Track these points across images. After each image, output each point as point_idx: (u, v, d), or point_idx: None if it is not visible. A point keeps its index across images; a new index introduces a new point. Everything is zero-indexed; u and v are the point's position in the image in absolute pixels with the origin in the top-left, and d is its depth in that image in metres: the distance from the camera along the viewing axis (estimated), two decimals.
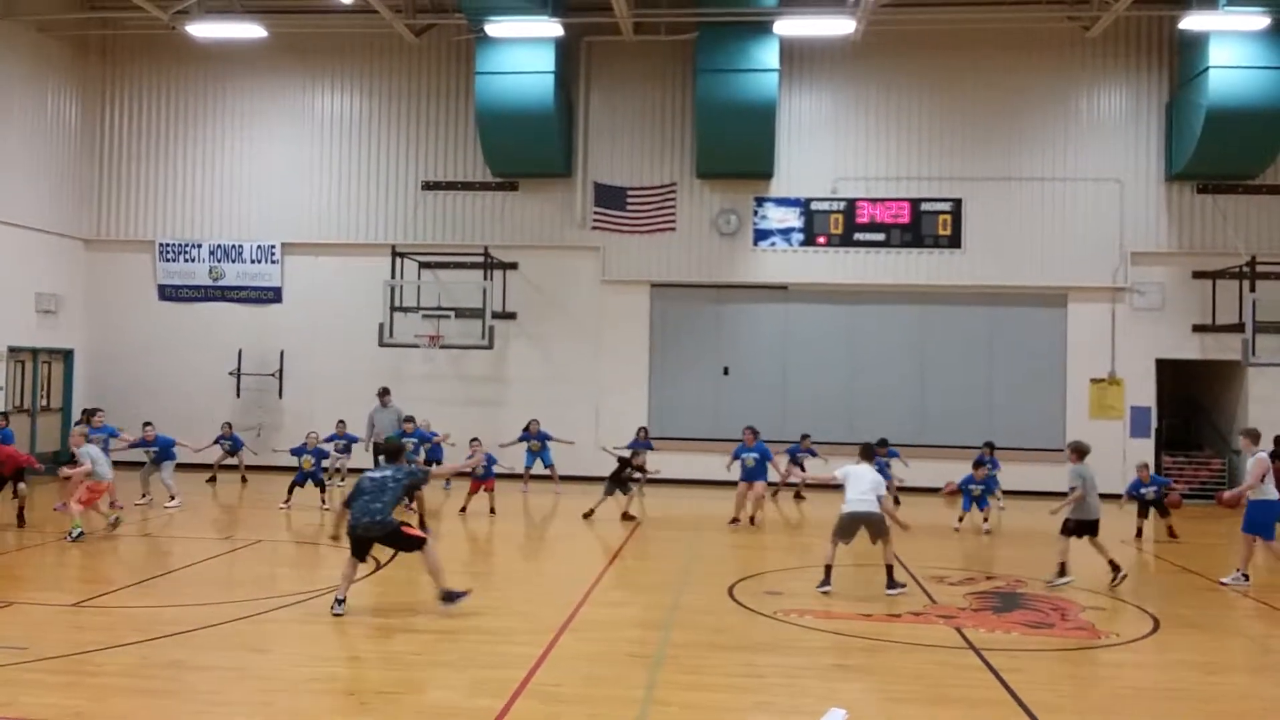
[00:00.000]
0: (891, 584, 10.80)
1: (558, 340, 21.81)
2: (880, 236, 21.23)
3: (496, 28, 19.53)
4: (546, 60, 20.02)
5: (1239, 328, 19.29)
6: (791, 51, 20.99)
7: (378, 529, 9.49)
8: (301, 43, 22.17)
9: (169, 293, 22.71)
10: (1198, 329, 20.64)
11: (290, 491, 16.47)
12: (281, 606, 9.67)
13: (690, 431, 20.86)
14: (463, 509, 16.30)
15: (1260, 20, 18.18)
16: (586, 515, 15.88)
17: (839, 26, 19.33)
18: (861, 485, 10.99)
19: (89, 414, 17.34)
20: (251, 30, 20.30)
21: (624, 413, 21.02)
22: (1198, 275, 20.68)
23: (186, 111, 22.84)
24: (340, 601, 9.37)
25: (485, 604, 9.84)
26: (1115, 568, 11.64)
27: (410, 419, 17.75)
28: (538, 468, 18.93)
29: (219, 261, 22.56)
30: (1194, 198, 20.80)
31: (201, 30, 20.57)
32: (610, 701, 7.12)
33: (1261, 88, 18.91)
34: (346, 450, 19.53)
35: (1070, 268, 20.88)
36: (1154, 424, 20.81)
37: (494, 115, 20.43)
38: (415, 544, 9.64)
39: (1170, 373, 21.22)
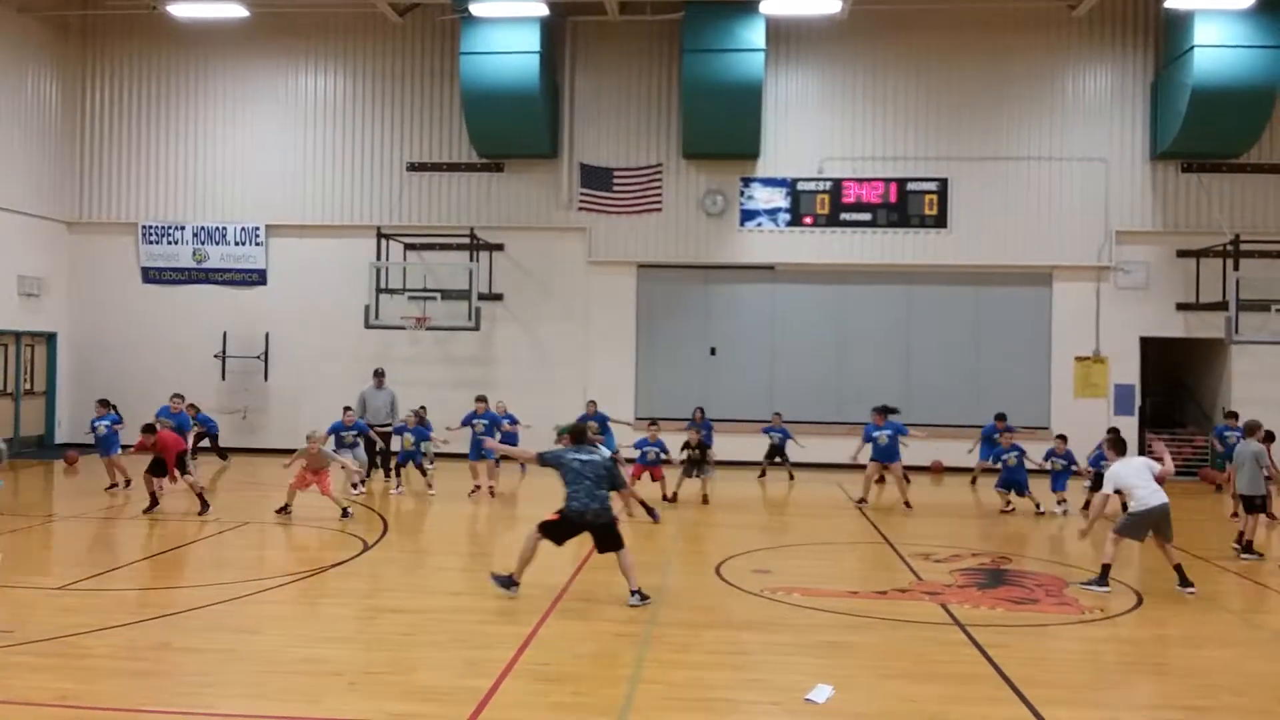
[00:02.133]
0: (1185, 582, 10.13)
1: (544, 321, 21.79)
2: (866, 216, 21.25)
3: (481, 7, 19.41)
4: (532, 40, 19.91)
5: (1223, 306, 19.40)
6: (778, 31, 20.92)
7: (606, 516, 9.27)
8: (284, 23, 21.99)
9: (153, 275, 22.59)
10: (1182, 307, 20.76)
11: (397, 474, 16.59)
12: (270, 588, 9.66)
13: (678, 412, 20.83)
14: (670, 497, 15.98)
15: None
16: (671, 499, 15.73)
17: (825, 6, 19.27)
18: (1146, 479, 10.31)
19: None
20: (233, 10, 20.13)
21: (611, 393, 21.03)
22: (1182, 254, 20.78)
23: (169, 92, 22.66)
24: (516, 584, 9.29)
25: (473, 584, 9.85)
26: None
27: (483, 398, 17.54)
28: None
29: (203, 244, 22.43)
30: (1179, 177, 20.87)
31: (183, 10, 20.39)
32: (598, 680, 7.15)
33: (1246, 67, 18.95)
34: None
35: (1055, 247, 20.95)
36: (1138, 402, 20.94)
37: (479, 96, 20.32)
38: (620, 543, 9.34)
39: (1154, 351, 21.35)
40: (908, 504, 15.65)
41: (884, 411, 16.25)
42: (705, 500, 16.01)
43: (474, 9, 19.44)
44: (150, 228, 22.56)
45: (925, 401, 20.82)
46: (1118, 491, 10.68)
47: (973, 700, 6.85)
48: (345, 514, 13.55)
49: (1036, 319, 21.18)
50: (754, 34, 19.79)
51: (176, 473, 13.97)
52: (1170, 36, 20.27)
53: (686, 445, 16.26)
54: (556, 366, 21.52)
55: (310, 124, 22.34)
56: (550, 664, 7.47)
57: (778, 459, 19.01)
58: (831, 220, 21.31)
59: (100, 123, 22.81)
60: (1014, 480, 15.48)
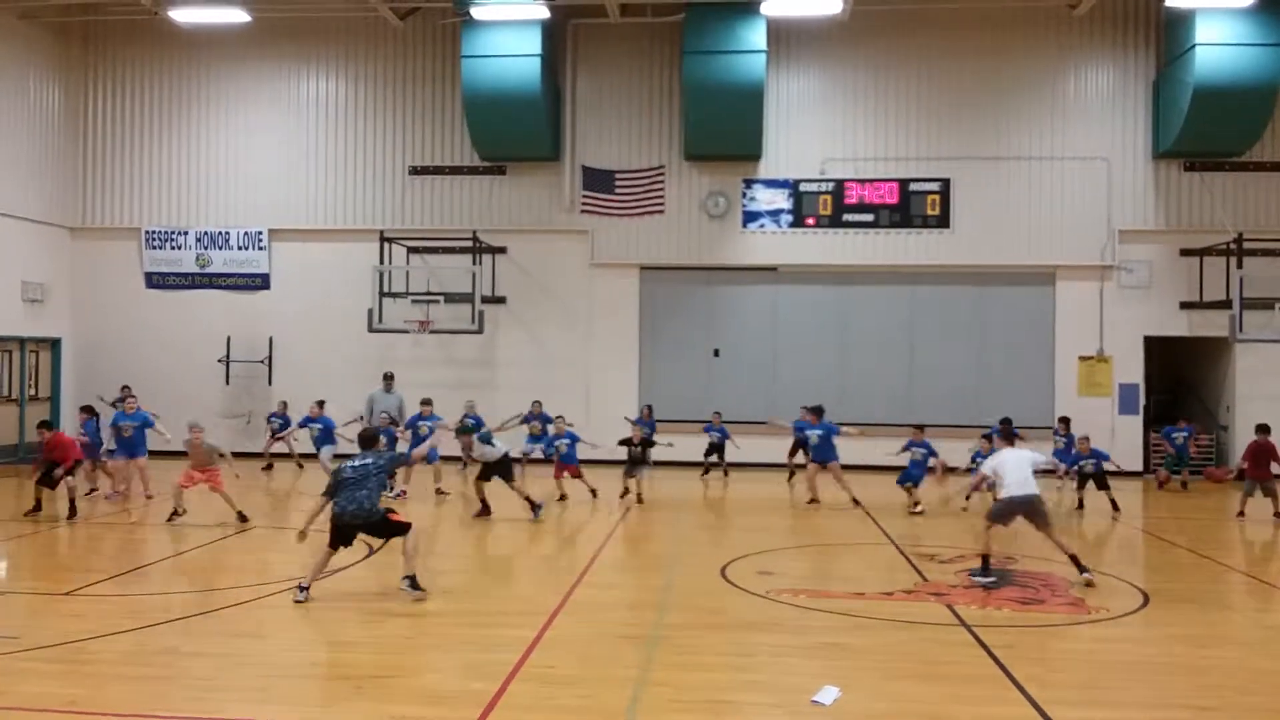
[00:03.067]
0: (1082, 568, 10.35)
1: (547, 324, 21.80)
2: (869, 217, 21.24)
3: (482, 10, 19.43)
4: (533, 43, 19.92)
5: (1226, 304, 19.38)
6: (779, 32, 20.93)
7: (363, 517, 9.50)
8: (285, 27, 22.02)
9: (156, 280, 22.62)
10: (1185, 306, 20.73)
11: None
12: (275, 593, 9.66)
13: (681, 414, 20.84)
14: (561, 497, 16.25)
15: None
16: (638, 500, 16.01)
17: (826, 7, 19.25)
18: (1023, 471, 10.55)
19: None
20: (235, 15, 20.13)
21: (614, 396, 21.05)
22: (1185, 253, 20.76)
23: (171, 98, 22.70)
24: (304, 589, 9.30)
25: (479, 587, 9.86)
26: None
27: (428, 401, 17.71)
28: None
29: (206, 248, 22.47)
30: (1181, 175, 20.85)
31: (184, 15, 20.40)
32: (604, 682, 7.14)
33: (1248, 65, 18.94)
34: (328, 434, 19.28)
35: (1058, 246, 20.94)
36: (1142, 401, 20.93)
37: (481, 99, 20.34)
38: (402, 529, 9.59)
39: (1158, 350, 21.33)
40: (855, 501, 15.74)
41: (816, 411, 16.34)
42: (640, 500, 15.98)
43: (475, 12, 19.46)
44: (153, 233, 22.60)
45: (929, 402, 20.79)
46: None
47: (979, 701, 6.84)
48: (242, 518, 13.50)
49: (1040, 319, 21.16)
50: (755, 35, 19.80)
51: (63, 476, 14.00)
52: (1172, 35, 20.26)
53: (626, 442, 16.28)
54: (559, 369, 21.52)
55: (312, 128, 22.37)
56: (556, 667, 7.47)
57: (714, 458, 19.48)
58: (834, 221, 21.31)
59: (103, 128, 22.85)
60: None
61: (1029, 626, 8.79)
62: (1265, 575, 11.16)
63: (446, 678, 7.28)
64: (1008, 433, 11.55)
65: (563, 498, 16.03)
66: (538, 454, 17.98)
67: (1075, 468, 15.95)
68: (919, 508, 15.21)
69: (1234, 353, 20.41)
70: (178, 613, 8.84)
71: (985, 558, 10.55)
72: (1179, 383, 22.65)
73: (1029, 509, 10.44)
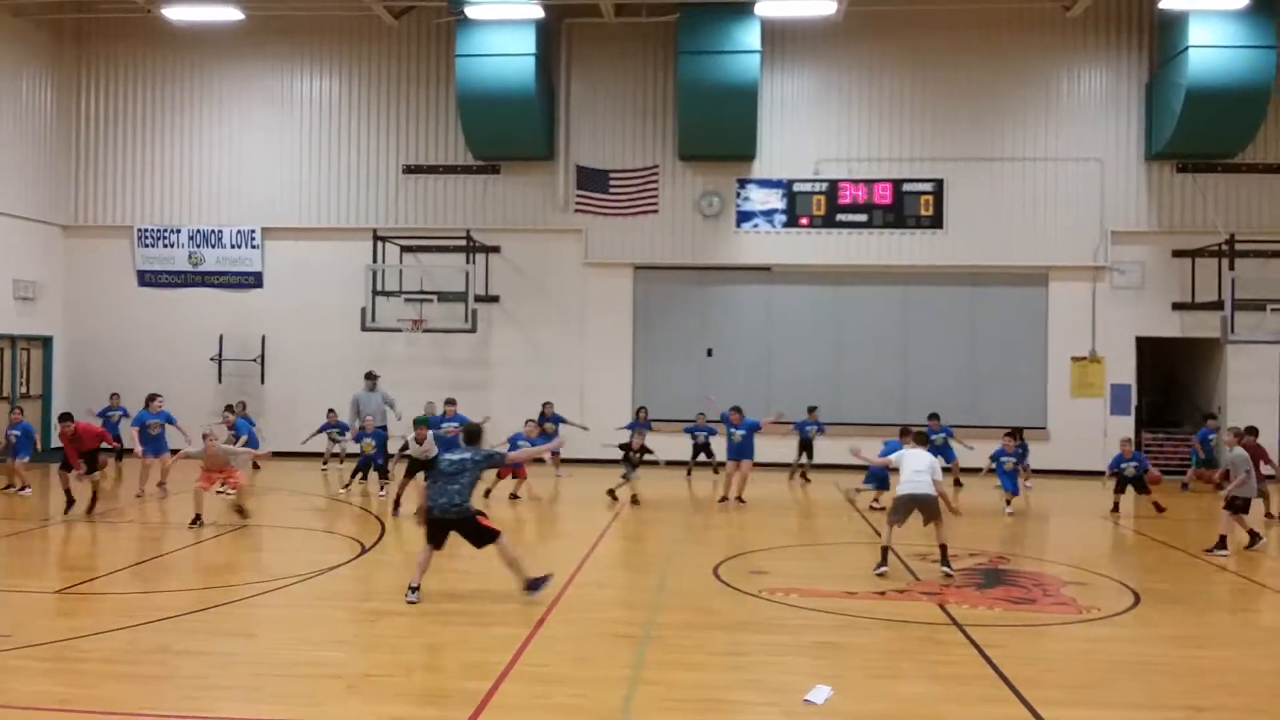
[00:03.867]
0: (945, 562, 10.81)
1: (541, 323, 21.79)
2: (863, 217, 21.27)
3: (476, 10, 19.40)
4: (527, 43, 19.91)
5: (1218, 305, 19.44)
6: (773, 33, 20.94)
7: (455, 512, 9.28)
8: (278, 26, 21.96)
9: (148, 279, 22.56)
10: (1177, 307, 20.79)
11: (353, 476, 16.73)
12: (268, 591, 9.65)
13: (675, 413, 20.83)
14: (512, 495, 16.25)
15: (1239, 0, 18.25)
16: (610, 492, 16.09)
17: (820, 7, 19.28)
18: (916, 465, 10.96)
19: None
20: (228, 13, 20.09)
21: (608, 395, 21.05)
22: (1177, 254, 20.81)
23: (164, 96, 22.64)
24: (414, 589, 9.21)
25: (472, 587, 9.85)
26: (1256, 536, 12.46)
27: (452, 401, 17.83)
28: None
29: (198, 247, 22.41)
30: (1173, 177, 20.90)
31: (177, 13, 20.36)
32: (597, 682, 7.15)
33: (1240, 67, 18.99)
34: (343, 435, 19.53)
35: (1051, 247, 20.98)
36: (1134, 401, 20.97)
37: (475, 98, 20.32)
38: (490, 536, 9.35)
39: (1150, 350, 21.37)
40: (740, 499, 15.93)
41: (738, 410, 16.49)
42: (635, 501, 15.95)
43: (469, 11, 19.44)
44: (146, 231, 22.54)
45: (922, 402, 20.78)
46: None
47: (971, 700, 6.86)
48: (242, 513, 13.45)
49: (1032, 319, 21.20)
50: (749, 36, 19.80)
51: (83, 466, 13.99)
52: (1165, 37, 20.32)
53: (626, 447, 16.27)
54: (553, 368, 21.51)
55: (306, 127, 22.33)
56: (549, 666, 7.47)
57: (704, 457, 19.66)
58: (828, 221, 21.33)
59: (95, 126, 22.78)
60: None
61: (1021, 626, 8.82)
62: (1256, 576, 11.20)
63: (439, 677, 7.29)
64: (920, 436, 11.92)
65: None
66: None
67: (1117, 470, 15.75)
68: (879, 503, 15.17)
69: (1225, 354, 20.47)
70: (170, 611, 8.82)
71: (884, 549, 10.92)
72: (1171, 384, 22.71)
73: (921, 506, 10.83)
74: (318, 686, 6.97)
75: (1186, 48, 19.05)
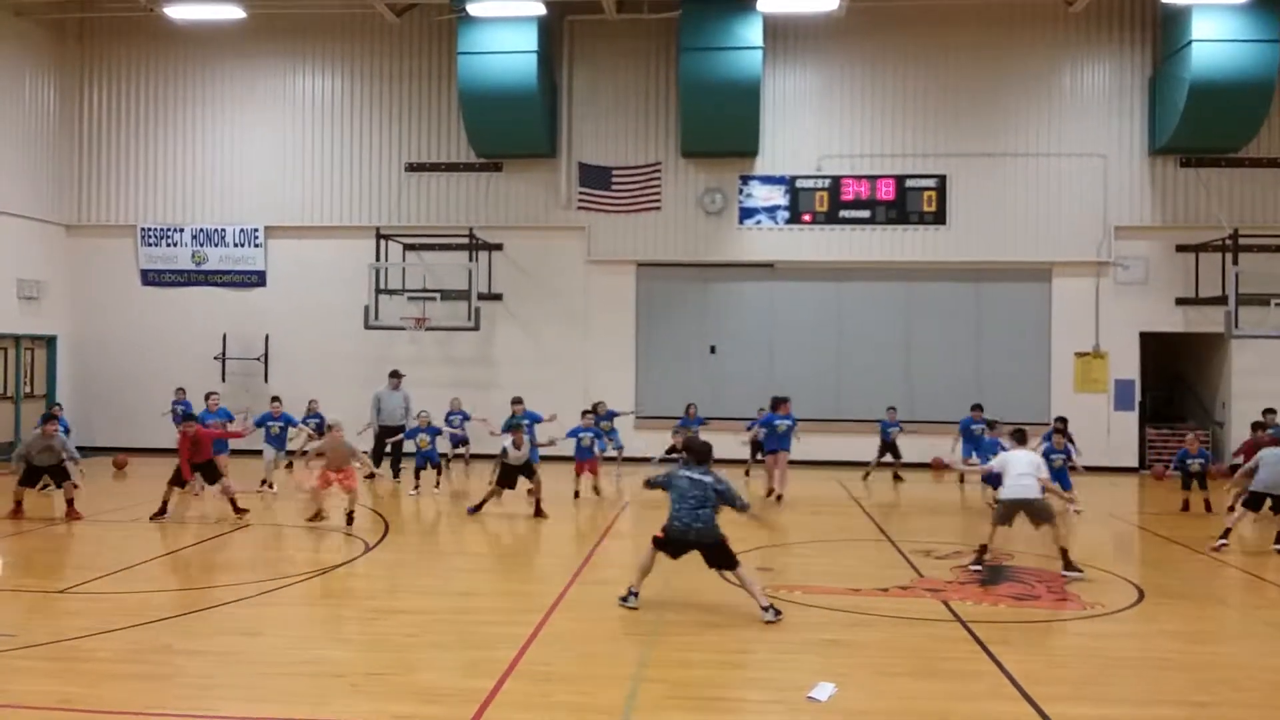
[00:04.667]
0: (1068, 566, 10.45)
1: (544, 321, 21.79)
2: (866, 214, 21.24)
3: (478, 7, 19.39)
4: (529, 40, 19.90)
5: (1222, 300, 19.40)
6: (775, 29, 20.90)
7: (709, 536, 9.01)
8: (280, 24, 21.97)
9: (152, 277, 22.59)
10: (1181, 302, 20.75)
11: (416, 476, 16.48)
12: (271, 590, 9.66)
13: (678, 410, 20.80)
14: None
15: None
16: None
17: (823, 3, 19.26)
18: (1020, 469, 10.69)
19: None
20: (230, 11, 20.11)
21: (612, 392, 21.01)
22: (1181, 249, 20.77)
23: (166, 95, 22.66)
24: (634, 595, 9.07)
25: (475, 585, 9.86)
26: None
27: (519, 400, 17.70)
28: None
29: (202, 246, 22.43)
30: (1177, 172, 20.85)
31: (180, 12, 20.37)
32: (601, 680, 7.14)
33: (1244, 61, 18.93)
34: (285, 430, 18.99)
35: (1054, 243, 20.94)
36: (1138, 397, 20.94)
37: (477, 96, 20.31)
38: (734, 562, 9.08)
39: (1154, 346, 21.34)
40: (779, 496, 15.96)
41: (786, 400, 16.60)
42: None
43: (471, 9, 19.42)
44: (149, 230, 22.56)
45: (925, 398, 20.83)
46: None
47: (975, 697, 6.85)
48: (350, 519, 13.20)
49: (1036, 315, 21.17)
50: (751, 32, 19.76)
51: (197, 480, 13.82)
52: (1168, 31, 20.25)
53: (672, 450, 16.23)
54: (556, 366, 21.51)
55: (308, 125, 22.33)
56: (553, 664, 7.47)
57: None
58: (830, 218, 21.30)
59: (98, 125, 22.80)
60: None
61: (1024, 622, 8.80)
62: (1261, 571, 11.17)
63: (442, 675, 7.28)
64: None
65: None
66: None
67: (1182, 466, 15.40)
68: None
69: (1230, 349, 20.43)
70: (173, 610, 8.82)
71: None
72: (1175, 379, 22.67)
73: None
74: (322, 685, 6.97)
75: (1190, 42, 19.00)
